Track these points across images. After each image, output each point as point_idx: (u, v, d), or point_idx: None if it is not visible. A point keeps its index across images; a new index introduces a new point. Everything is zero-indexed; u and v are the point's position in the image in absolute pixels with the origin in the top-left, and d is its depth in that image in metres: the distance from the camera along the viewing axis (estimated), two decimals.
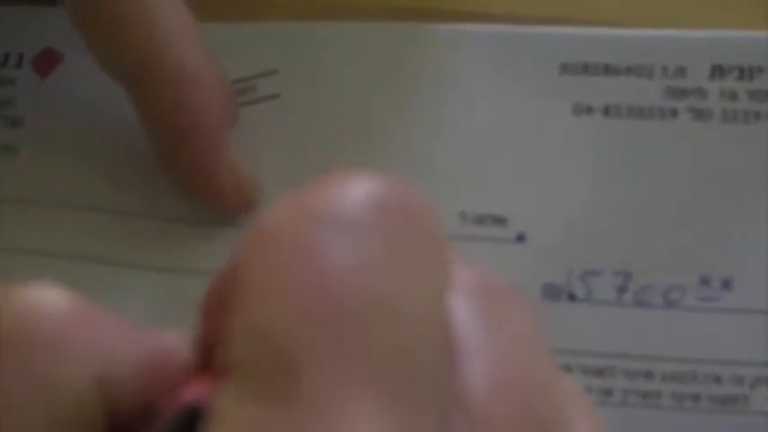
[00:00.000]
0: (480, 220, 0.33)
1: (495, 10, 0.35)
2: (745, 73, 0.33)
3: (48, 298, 0.18)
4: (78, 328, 0.18)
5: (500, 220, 0.33)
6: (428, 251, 0.17)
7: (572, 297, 0.32)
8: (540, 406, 0.17)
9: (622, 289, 0.32)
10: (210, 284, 0.19)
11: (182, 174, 0.33)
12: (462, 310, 0.18)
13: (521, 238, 0.32)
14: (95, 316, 0.18)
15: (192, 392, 0.18)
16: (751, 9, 0.34)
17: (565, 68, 0.34)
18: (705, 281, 0.32)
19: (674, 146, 0.33)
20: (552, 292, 0.32)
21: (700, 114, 0.33)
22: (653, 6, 0.35)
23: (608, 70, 0.33)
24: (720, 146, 0.33)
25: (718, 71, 0.33)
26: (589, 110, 0.33)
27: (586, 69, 0.34)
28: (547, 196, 0.33)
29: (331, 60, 0.35)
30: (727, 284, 0.31)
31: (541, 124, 0.33)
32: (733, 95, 0.33)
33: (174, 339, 0.19)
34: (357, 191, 0.17)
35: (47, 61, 0.36)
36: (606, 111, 0.33)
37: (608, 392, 0.31)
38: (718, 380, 0.31)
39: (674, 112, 0.33)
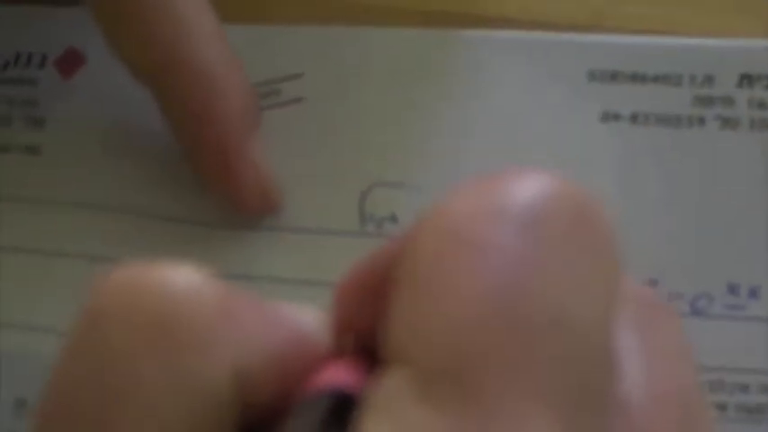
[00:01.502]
0: None
1: (522, 16, 0.35)
2: None
3: (186, 280, 0.17)
4: (218, 315, 0.17)
5: None
6: (606, 257, 0.17)
7: None
8: (694, 422, 0.17)
9: None
10: (355, 269, 0.18)
11: (206, 174, 0.33)
12: (624, 322, 0.17)
13: None
14: (234, 300, 0.17)
15: (331, 377, 0.17)
16: None
17: (593, 76, 0.34)
18: (732, 289, 0.31)
19: (702, 154, 0.33)
20: None
21: (727, 123, 0.33)
22: (680, 14, 0.35)
23: (636, 78, 0.33)
24: (748, 154, 0.32)
25: (746, 80, 0.33)
26: (617, 117, 0.33)
27: (614, 77, 0.33)
28: None
29: (356, 65, 0.35)
30: (754, 293, 0.31)
31: (569, 131, 0.33)
32: (761, 104, 0.33)
33: (309, 319, 0.18)
34: (541, 189, 0.16)
35: (70, 62, 0.36)
36: (634, 118, 0.33)
37: None
38: (745, 389, 0.31)
39: (701, 121, 0.33)
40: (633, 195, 0.32)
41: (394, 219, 0.33)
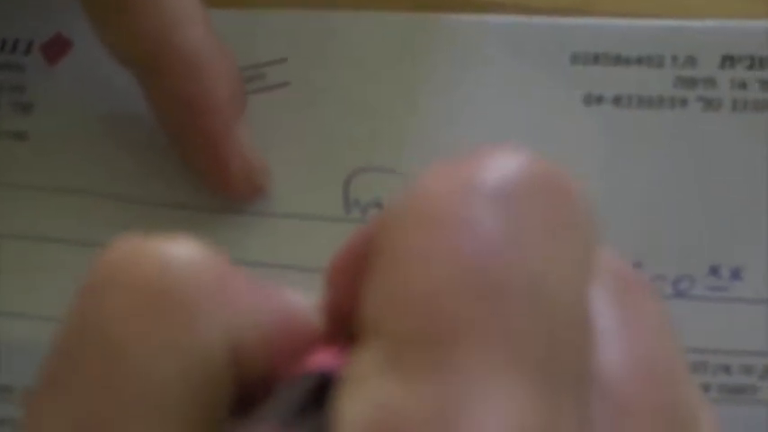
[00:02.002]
0: None
1: (507, 0, 0.35)
2: (756, 62, 0.33)
3: (183, 253, 0.17)
4: (214, 288, 0.17)
5: None
6: (578, 230, 0.17)
7: None
8: (675, 396, 0.17)
9: None
10: (341, 251, 0.18)
11: (192, 160, 0.33)
12: (600, 294, 0.17)
13: None
14: (229, 274, 0.18)
15: (320, 360, 0.17)
16: None
17: (576, 58, 0.34)
18: (715, 271, 0.32)
19: (684, 135, 0.33)
20: None
21: (710, 104, 0.33)
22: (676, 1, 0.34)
23: (619, 60, 0.33)
24: (730, 135, 0.33)
25: (728, 61, 0.33)
26: (600, 100, 0.33)
27: (597, 59, 0.34)
28: None
29: (341, 49, 0.35)
30: (736, 274, 0.32)
31: (552, 114, 0.33)
32: (743, 85, 0.33)
33: (301, 302, 0.19)
34: (513, 165, 0.17)
35: (56, 48, 0.36)
36: (617, 101, 0.33)
37: None
38: (727, 370, 0.31)
39: (684, 102, 0.33)
40: (616, 177, 0.33)
41: (379, 204, 0.33)
